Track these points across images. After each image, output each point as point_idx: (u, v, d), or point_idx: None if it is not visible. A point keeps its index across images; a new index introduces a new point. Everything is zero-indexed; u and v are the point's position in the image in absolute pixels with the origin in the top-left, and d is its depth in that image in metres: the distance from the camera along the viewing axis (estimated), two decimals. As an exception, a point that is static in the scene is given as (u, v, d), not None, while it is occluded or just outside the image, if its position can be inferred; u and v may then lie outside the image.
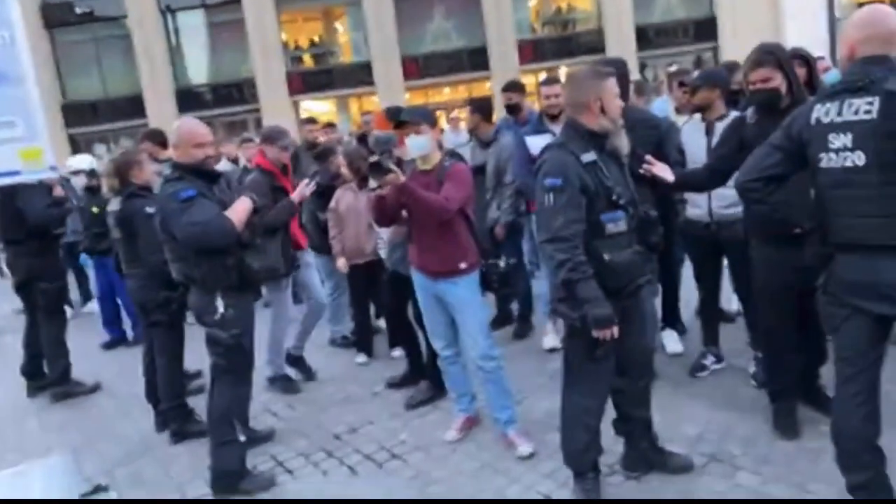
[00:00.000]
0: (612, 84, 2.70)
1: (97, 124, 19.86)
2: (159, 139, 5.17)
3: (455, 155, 3.54)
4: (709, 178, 3.34)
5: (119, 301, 6.26)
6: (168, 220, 3.21)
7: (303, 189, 4.23)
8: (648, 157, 3.17)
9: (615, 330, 2.56)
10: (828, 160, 2.27)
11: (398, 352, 4.78)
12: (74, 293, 7.23)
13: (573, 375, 2.79)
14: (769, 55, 3.05)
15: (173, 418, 4.08)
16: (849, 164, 2.20)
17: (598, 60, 4.00)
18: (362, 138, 6.11)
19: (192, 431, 4.00)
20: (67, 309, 5.72)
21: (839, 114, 2.22)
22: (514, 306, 5.26)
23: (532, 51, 18.92)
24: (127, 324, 6.36)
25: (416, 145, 3.32)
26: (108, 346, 6.29)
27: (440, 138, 3.56)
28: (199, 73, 20.23)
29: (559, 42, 19.33)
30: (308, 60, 20.48)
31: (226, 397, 3.35)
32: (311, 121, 6.80)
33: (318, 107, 19.92)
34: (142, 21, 19.00)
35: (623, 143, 2.77)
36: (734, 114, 3.63)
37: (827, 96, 2.31)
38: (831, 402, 2.66)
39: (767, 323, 3.28)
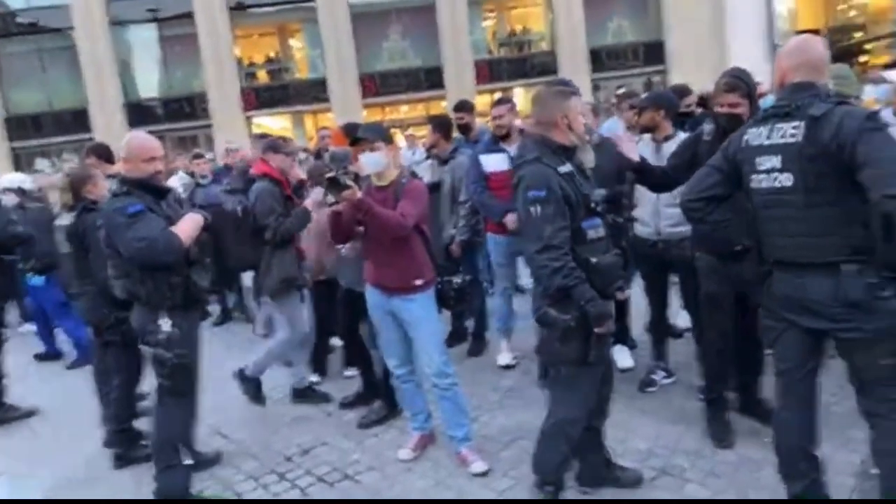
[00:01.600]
0: (576, 102, 2.82)
1: (40, 138, 19.24)
2: (105, 154, 5.04)
3: (411, 173, 3.56)
4: (659, 179, 3.45)
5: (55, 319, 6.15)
6: (113, 235, 3.12)
7: (316, 197, 4.17)
8: (617, 134, 3.24)
9: (611, 324, 2.66)
10: (758, 181, 2.37)
11: (351, 371, 4.73)
12: (13, 314, 6.95)
13: (563, 385, 2.80)
14: (741, 82, 3.15)
15: (118, 442, 3.93)
16: (777, 185, 2.30)
17: (547, 82, 4.11)
18: (318, 155, 6.08)
19: (138, 456, 3.86)
20: (4, 330, 5.48)
21: (768, 137, 2.33)
22: (469, 323, 5.28)
23: (488, 71, 19.20)
24: (68, 342, 6.16)
25: (371, 162, 3.32)
26: (42, 357, 6.28)
27: (396, 155, 3.57)
28: (149, 86, 19.83)
29: (514, 63, 19.67)
30: (263, 76, 20.31)
31: (170, 420, 3.26)
32: (264, 136, 6.73)
33: (273, 123, 19.74)
34: (89, 33, 18.55)
35: (588, 158, 2.90)
36: (681, 134, 3.76)
37: (758, 120, 2.42)
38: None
39: (707, 333, 3.41)
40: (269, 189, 4.22)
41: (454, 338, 5.20)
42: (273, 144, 4.55)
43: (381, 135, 3.38)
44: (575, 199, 2.66)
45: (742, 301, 3.36)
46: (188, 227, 3.22)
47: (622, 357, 4.46)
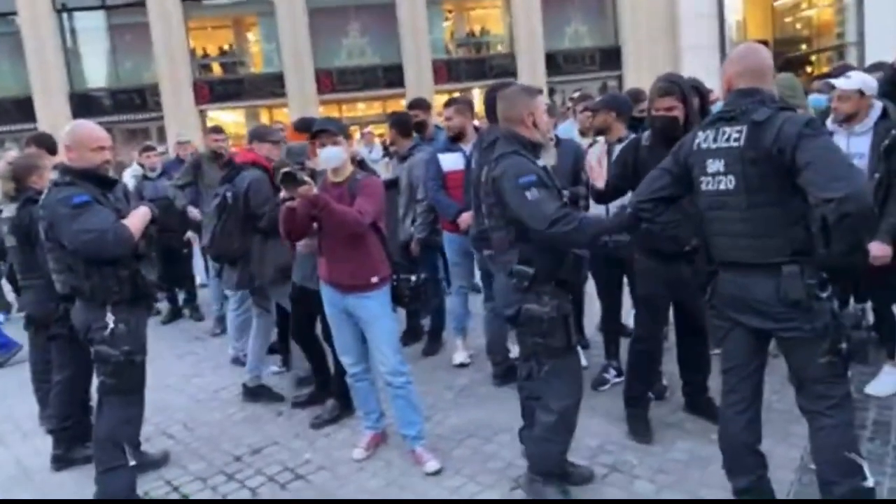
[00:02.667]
0: (541, 101, 2.90)
1: (-20, 127, 18.38)
2: (47, 144, 4.84)
3: (367, 169, 3.52)
4: (608, 192, 3.48)
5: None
6: (56, 227, 3.00)
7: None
8: (592, 163, 3.25)
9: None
10: (706, 183, 2.43)
11: (274, 367, 4.74)
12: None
13: (552, 377, 2.82)
14: (675, 86, 3.23)
15: (58, 442, 3.77)
16: (722, 187, 2.36)
17: (499, 82, 4.15)
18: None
19: (78, 458, 3.72)
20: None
21: (714, 140, 2.39)
22: (425, 322, 5.26)
23: (446, 71, 19.21)
24: None
25: (330, 156, 3.27)
26: None
27: (353, 151, 3.53)
28: (97, 76, 19.15)
29: (473, 64, 19.74)
30: (217, 69, 19.85)
31: (114, 419, 3.14)
32: (218, 130, 6.58)
33: (227, 117, 19.32)
34: (34, 19, 17.81)
35: (551, 156, 2.95)
36: (634, 136, 3.82)
37: (707, 124, 2.48)
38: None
39: (638, 332, 3.49)
40: (262, 177, 4.15)
41: (410, 336, 5.18)
42: (259, 133, 4.49)
43: (340, 129, 3.35)
44: (552, 190, 2.73)
45: (682, 302, 3.45)
46: (137, 220, 3.14)
47: None
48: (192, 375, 5.09)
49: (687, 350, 3.59)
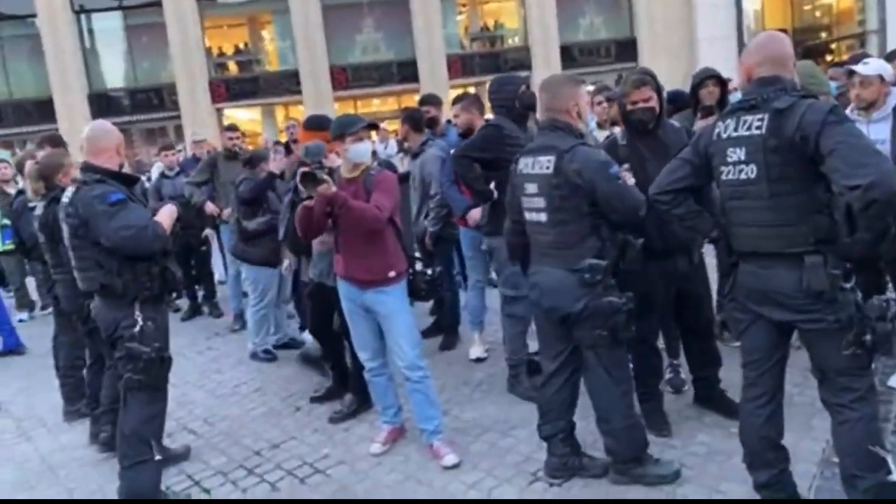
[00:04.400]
0: (584, 91, 2.97)
1: (2, 128, 18.68)
2: (59, 145, 4.91)
3: (387, 164, 3.54)
4: None
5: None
6: (93, 224, 3.02)
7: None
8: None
9: None
10: (727, 173, 2.39)
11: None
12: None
13: (611, 366, 2.87)
14: (649, 77, 3.22)
15: (98, 423, 3.86)
16: (743, 176, 2.33)
17: (499, 77, 4.13)
18: (288, 147, 5.99)
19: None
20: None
21: (735, 129, 2.36)
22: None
23: (461, 65, 19.17)
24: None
25: (360, 152, 3.31)
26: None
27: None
28: (115, 77, 19.39)
29: (487, 58, 19.68)
30: (233, 67, 20.00)
31: (142, 414, 3.16)
32: (232, 128, 6.62)
33: (243, 115, 19.46)
34: (52, 21, 18.05)
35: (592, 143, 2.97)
36: (609, 137, 3.77)
37: (727, 113, 2.45)
38: (735, 406, 2.81)
39: (640, 332, 3.39)
40: None
41: (434, 330, 5.19)
42: (319, 123, 4.45)
43: (371, 124, 3.40)
44: None
45: (684, 297, 3.40)
46: (166, 217, 3.21)
47: None
48: (212, 371, 5.14)
49: (693, 345, 3.55)
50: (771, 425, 2.48)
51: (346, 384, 4.15)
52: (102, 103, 18.54)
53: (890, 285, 3.70)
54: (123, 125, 18.45)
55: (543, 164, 2.82)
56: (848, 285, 2.21)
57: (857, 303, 2.21)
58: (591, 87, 7.09)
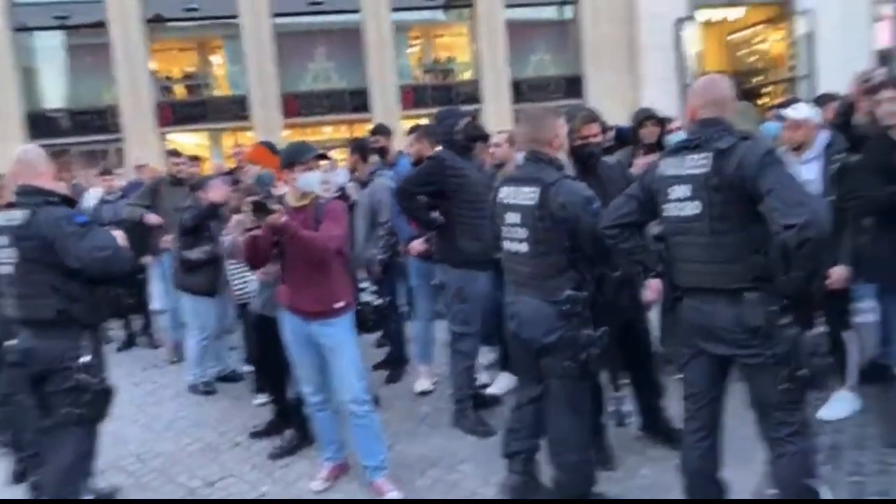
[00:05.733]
0: (563, 123, 2.99)
1: (-71, 146, 17.77)
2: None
3: (344, 192, 3.52)
4: None
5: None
6: (61, 245, 2.84)
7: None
8: None
9: None
10: (670, 209, 2.46)
11: (262, 397, 4.58)
12: None
13: (573, 398, 2.85)
14: (595, 114, 3.35)
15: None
16: (686, 213, 2.40)
17: (440, 111, 4.19)
18: (232, 174, 5.88)
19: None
20: None
21: (680, 167, 2.43)
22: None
23: (413, 96, 19.30)
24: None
25: (310, 182, 3.26)
26: None
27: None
28: (54, 97, 18.74)
29: (439, 90, 19.88)
30: (180, 91, 19.62)
31: (78, 451, 2.97)
32: (176, 153, 6.48)
33: (189, 139, 19.07)
34: (-10, 38, 17.41)
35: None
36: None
37: (671, 151, 2.53)
38: (680, 436, 2.84)
39: None
40: None
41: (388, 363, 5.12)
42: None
43: (316, 154, 3.35)
44: None
45: (628, 328, 3.45)
46: (121, 240, 3.08)
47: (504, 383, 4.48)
48: (147, 405, 4.94)
49: (637, 376, 3.60)
50: (708, 459, 2.53)
51: (287, 419, 4.03)
52: (39, 123, 17.88)
53: (822, 319, 3.84)
54: (62, 146, 17.87)
55: (527, 194, 2.82)
56: (784, 321, 2.28)
57: (794, 338, 2.28)
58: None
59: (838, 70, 16.22)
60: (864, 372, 3.92)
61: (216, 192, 4.88)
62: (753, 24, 20.49)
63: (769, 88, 20.36)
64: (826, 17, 18.22)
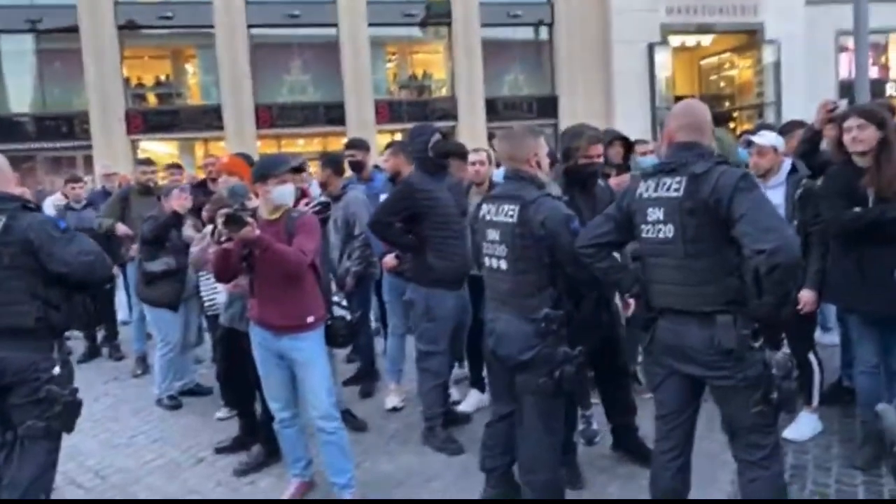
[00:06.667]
0: (543, 142, 2.99)
1: None
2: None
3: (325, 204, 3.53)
4: None
5: None
6: (48, 250, 2.76)
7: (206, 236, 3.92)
8: None
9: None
10: (646, 231, 2.49)
11: (223, 412, 4.53)
12: None
13: (549, 413, 2.85)
14: (601, 134, 3.38)
15: None
16: (661, 235, 2.43)
17: (414, 127, 4.18)
18: (205, 184, 5.81)
19: None
20: None
21: (656, 190, 2.46)
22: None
23: (388, 111, 19.37)
24: None
25: (284, 195, 3.22)
26: None
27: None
28: (21, 101, 18.37)
29: (415, 105, 20.00)
30: (152, 99, 19.39)
31: (43, 465, 2.85)
32: (147, 162, 6.38)
33: (160, 148, 18.83)
34: (-45, 40, 17.03)
35: (554, 193, 3.01)
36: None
37: (649, 174, 2.56)
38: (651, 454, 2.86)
39: None
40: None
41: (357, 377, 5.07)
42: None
43: (290, 167, 3.32)
44: None
45: (604, 346, 3.47)
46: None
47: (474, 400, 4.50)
48: (108, 419, 4.79)
49: (611, 394, 3.62)
50: (679, 479, 2.54)
51: (253, 434, 3.96)
52: (5, 128, 17.48)
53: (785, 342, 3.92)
54: (28, 152, 17.48)
55: (507, 212, 2.83)
56: (756, 344, 2.31)
57: (765, 362, 2.31)
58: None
59: (804, 98, 16.79)
60: (827, 393, 4.00)
61: (177, 201, 4.80)
62: (723, 51, 21.05)
63: (737, 114, 20.88)
64: (792, 47, 18.84)
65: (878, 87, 17.86)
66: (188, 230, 4.77)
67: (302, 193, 4.15)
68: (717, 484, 3.24)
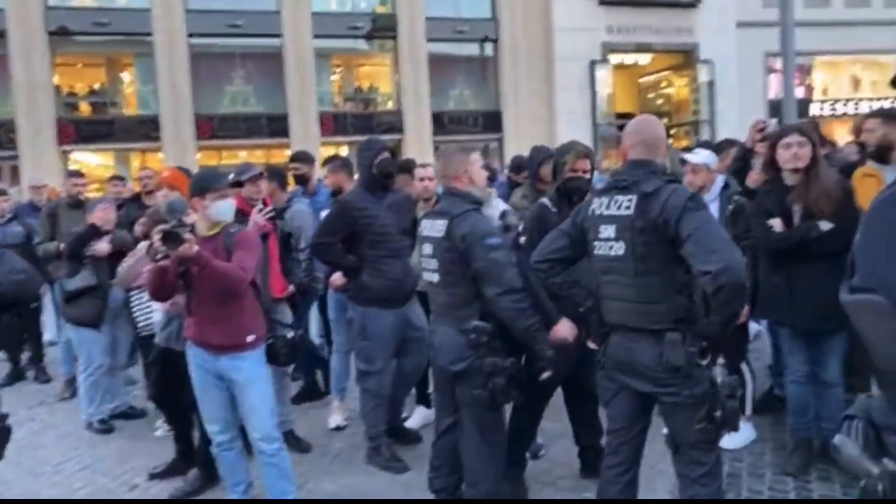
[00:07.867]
0: (476, 158, 3.03)
1: None
2: None
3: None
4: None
5: None
6: None
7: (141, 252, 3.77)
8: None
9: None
10: (599, 248, 2.51)
11: (160, 431, 4.38)
12: None
13: (490, 427, 2.88)
14: (589, 150, 3.41)
15: None
16: (612, 253, 2.45)
17: (365, 140, 4.14)
18: (139, 198, 5.60)
19: None
20: None
21: (607, 207, 2.49)
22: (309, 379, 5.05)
23: (333, 124, 19.20)
24: None
25: (223, 210, 3.14)
26: None
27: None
28: (-58, 108, 17.39)
29: (360, 118, 19.89)
30: (85, 108, 18.65)
31: None
32: (78, 174, 6.11)
33: (94, 159, 18.13)
34: None
35: (491, 209, 3.07)
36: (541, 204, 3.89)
37: (602, 191, 2.58)
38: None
39: (531, 399, 3.44)
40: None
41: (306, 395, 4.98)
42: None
43: (230, 182, 3.24)
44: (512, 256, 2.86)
45: (574, 371, 3.48)
46: None
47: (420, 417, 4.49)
48: (33, 446, 4.52)
49: (579, 414, 3.60)
50: (627, 493, 2.57)
51: (190, 459, 3.81)
52: (-77, 136, 16.51)
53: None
54: (-53, 162, 16.54)
55: (438, 227, 2.90)
56: (704, 362, 2.34)
57: (712, 379, 2.34)
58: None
59: (737, 115, 17.51)
60: (759, 402, 4.14)
61: (97, 215, 4.63)
62: (661, 70, 21.77)
63: (675, 130, 21.60)
64: (725, 67, 19.67)
65: (803, 106, 18.80)
66: (102, 244, 4.58)
67: (263, 203, 4.09)
68: (656, 493, 3.30)
